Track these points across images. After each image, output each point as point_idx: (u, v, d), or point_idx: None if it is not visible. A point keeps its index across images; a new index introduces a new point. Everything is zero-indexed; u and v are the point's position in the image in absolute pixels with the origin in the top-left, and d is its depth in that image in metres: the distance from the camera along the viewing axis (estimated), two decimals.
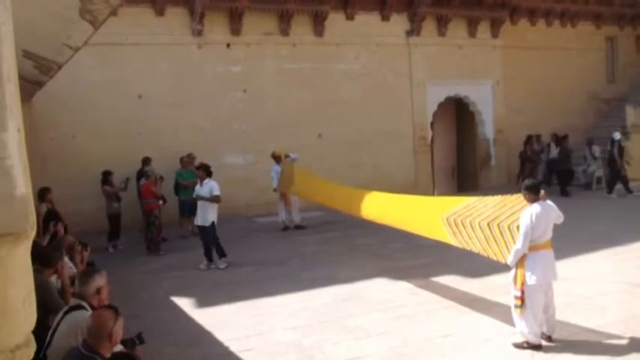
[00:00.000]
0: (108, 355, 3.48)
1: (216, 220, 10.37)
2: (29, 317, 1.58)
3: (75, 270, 5.87)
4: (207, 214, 10.31)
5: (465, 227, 6.76)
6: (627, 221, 12.00)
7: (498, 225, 6.21)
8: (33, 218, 1.50)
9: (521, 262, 5.96)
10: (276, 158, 13.53)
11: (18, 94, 1.49)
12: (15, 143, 1.44)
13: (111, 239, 12.17)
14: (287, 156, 13.43)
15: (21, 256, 1.53)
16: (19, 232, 1.47)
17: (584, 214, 12.67)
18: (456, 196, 7.49)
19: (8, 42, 1.43)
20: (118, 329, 3.56)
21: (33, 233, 1.52)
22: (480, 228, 6.45)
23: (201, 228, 10.43)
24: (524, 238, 5.85)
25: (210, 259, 10.36)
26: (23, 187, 1.46)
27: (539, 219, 5.87)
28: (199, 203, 10.41)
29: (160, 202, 11.86)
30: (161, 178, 12.31)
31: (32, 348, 1.59)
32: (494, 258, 6.49)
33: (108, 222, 12.14)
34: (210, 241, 10.37)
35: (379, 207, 9.43)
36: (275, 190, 13.54)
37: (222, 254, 10.39)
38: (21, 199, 1.46)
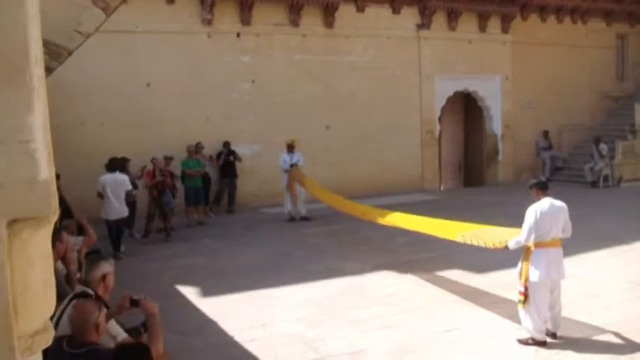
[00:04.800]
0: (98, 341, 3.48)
1: None
2: (49, 302, 1.58)
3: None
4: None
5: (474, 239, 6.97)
6: (634, 220, 11.96)
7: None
8: (55, 203, 1.50)
9: (526, 257, 6.00)
10: (291, 147, 13.55)
11: (44, 79, 1.49)
12: (40, 127, 1.44)
13: (130, 226, 12.23)
14: (293, 165, 13.41)
15: (42, 241, 1.53)
16: (41, 217, 1.47)
17: (591, 211, 12.62)
18: (473, 224, 7.53)
19: (36, 24, 1.43)
20: (103, 318, 3.52)
21: (55, 218, 1.52)
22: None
23: (116, 221, 10.61)
24: (528, 232, 5.92)
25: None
26: (46, 171, 1.46)
27: (545, 216, 5.89)
28: (117, 194, 10.55)
29: (155, 192, 11.86)
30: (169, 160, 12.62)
31: (51, 333, 1.59)
32: (493, 246, 6.60)
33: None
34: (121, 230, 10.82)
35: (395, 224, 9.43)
36: (287, 171, 13.52)
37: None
38: (44, 183, 1.45)
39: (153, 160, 12.23)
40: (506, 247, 6.26)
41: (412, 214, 9.03)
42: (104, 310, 3.61)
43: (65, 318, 3.82)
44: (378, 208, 10.33)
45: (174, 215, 12.98)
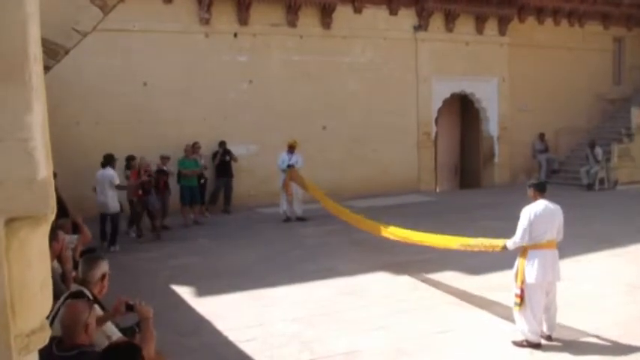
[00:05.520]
0: (87, 343, 3.45)
1: None
2: (45, 302, 1.58)
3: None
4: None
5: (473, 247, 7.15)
6: (628, 223, 11.99)
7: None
8: (53, 202, 1.50)
9: (522, 259, 6.01)
10: (292, 147, 13.52)
11: (43, 76, 1.49)
12: (39, 126, 1.43)
13: (131, 225, 12.23)
14: (290, 166, 13.38)
15: (40, 240, 1.52)
16: (39, 216, 1.47)
17: (586, 214, 12.65)
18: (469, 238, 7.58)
19: (35, 22, 1.42)
20: (93, 320, 3.49)
21: (52, 217, 1.52)
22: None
23: (111, 216, 11.17)
24: (522, 233, 5.97)
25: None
26: (45, 170, 1.46)
27: (539, 218, 5.93)
28: (102, 188, 11.07)
29: (140, 191, 11.86)
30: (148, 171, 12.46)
31: (47, 332, 1.58)
32: (492, 249, 6.72)
33: (129, 207, 12.14)
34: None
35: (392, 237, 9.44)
36: (284, 170, 13.50)
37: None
38: (42, 182, 1.45)
39: (139, 160, 12.20)
40: (505, 249, 6.29)
41: (408, 230, 8.99)
42: (95, 312, 3.58)
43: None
44: (374, 221, 10.27)
45: (170, 215, 13.00)
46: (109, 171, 11.19)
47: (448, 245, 7.73)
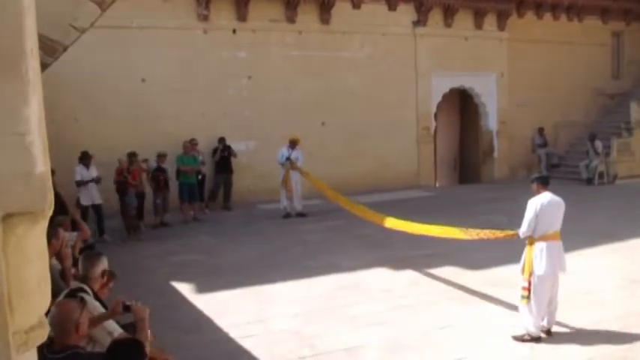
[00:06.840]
0: (81, 344, 3.44)
1: None
2: (44, 298, 1.57)
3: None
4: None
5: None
6: (628, 217, 11.99)
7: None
8: (51, 197, 1.48)
9: (530, 252, 6.03)
10: (293, 143, 13.50)
11: (39, 71, 1.47)
12: (36, 120, 1.42)
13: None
14: (288, 158, 13.36)
15: (38, 236, 1.51)
16: (36, 212, 1.45)
17: (586, 208, 12.65)
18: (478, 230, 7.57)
19: (31, 16, 1.40)
20: (85, 320, 3.44)
21: (50, 213, 1.50)
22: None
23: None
24: (528, 224, 6.01)
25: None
26: (42, 165, 1.44)
27: (545, 209, 6.01)
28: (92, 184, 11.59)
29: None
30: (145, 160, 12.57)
31: (46, 329, 1.57)
32: (500, 236, 6.84)
33: None
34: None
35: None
36: (283, 165, 13.49)
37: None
38: (40, 177, 1.44)
39: (119, 160, 12.15)
40: (517, 236, 6.31)
41: (415, 223, 8.98)
42: (87, 311, 3.55)
43: None
44: (380, 213, 10.26)
45: (169, 212, 12.99)
46: (76, 167, 11.63)
47: (455, 236, 7.69)
